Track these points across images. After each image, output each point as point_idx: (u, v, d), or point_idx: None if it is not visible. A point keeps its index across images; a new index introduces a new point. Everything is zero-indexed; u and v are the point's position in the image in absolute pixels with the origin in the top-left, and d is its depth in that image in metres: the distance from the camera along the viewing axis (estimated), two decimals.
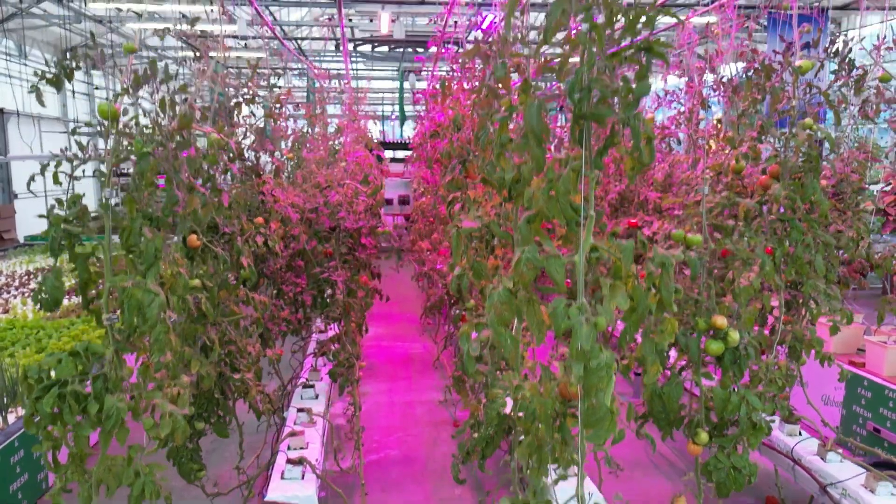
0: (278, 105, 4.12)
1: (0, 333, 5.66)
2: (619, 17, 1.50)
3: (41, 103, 2.14)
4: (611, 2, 1.48)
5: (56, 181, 2.16)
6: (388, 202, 13.96)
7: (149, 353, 2.11)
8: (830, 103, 3.08)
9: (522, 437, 1.88)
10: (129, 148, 2.08)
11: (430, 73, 11.31)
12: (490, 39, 2.04)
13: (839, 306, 3.22)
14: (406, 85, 13.56)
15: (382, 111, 25.17)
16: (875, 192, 4.92)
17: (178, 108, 2.33)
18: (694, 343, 2.36)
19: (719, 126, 3.67)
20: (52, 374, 2.04)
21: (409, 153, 13.91)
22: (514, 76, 2.01)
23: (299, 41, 14.52)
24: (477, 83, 3.60)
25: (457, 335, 2.90)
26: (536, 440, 1.73)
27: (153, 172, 2.11)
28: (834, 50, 3.10)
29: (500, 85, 2.03)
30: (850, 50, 3.10)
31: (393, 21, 11.22)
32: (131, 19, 12.29)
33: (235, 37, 11.63)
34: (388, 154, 14.50)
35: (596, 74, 1.46)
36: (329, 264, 3.68)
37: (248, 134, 3.81)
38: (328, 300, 3.82)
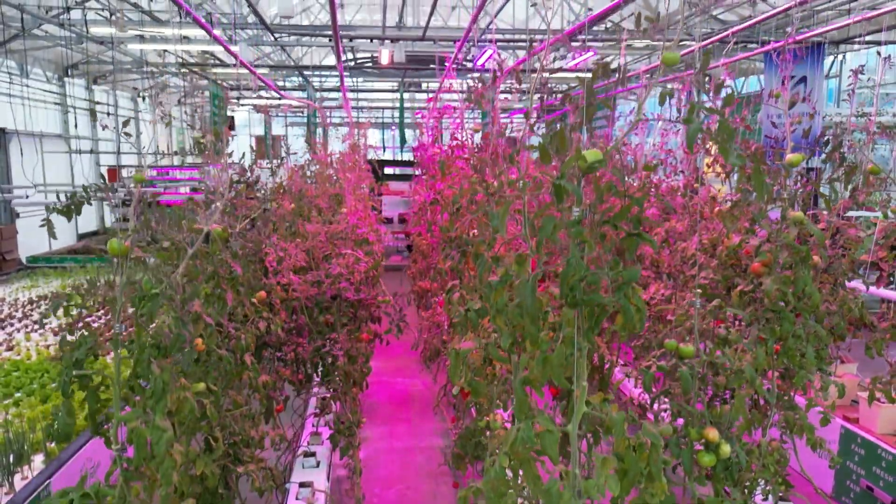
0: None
1: (4, 379, 5.72)
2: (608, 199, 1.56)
3: (52, 235, 2.20)
4: (602, 188, 1.54)
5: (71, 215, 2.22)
6: (388, 220, 14.02)
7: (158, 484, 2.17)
8: (822, 194, 3.14)
9: None
10: (138, 288, 2.13)
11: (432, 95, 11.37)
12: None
13: (831, 382, 3.29)
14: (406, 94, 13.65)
15: (382, 120, 25.20)
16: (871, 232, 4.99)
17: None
18: (686, 454, 2.42)
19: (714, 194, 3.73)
20: None
21: (409, 168, 14.02)
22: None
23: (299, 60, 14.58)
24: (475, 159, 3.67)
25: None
26: None
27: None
28: (825, 140, 3.16)
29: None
30: (841, 143, 3.17)
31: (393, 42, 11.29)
32: (132, 40, 12.35)
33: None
34: (388, 171, 14.56)
35: (587, 267, 1.52)
36: (330, 336, 3.75)
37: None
38: (329, 367, 3.89)
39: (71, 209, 2.19)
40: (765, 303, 2.99)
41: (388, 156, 26.64)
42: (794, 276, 2.98)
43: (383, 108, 22.91)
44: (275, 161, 4.21)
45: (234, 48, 12.65)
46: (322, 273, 3.73)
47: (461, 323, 2.67)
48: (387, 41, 9.02)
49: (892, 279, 4.22)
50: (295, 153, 6.29)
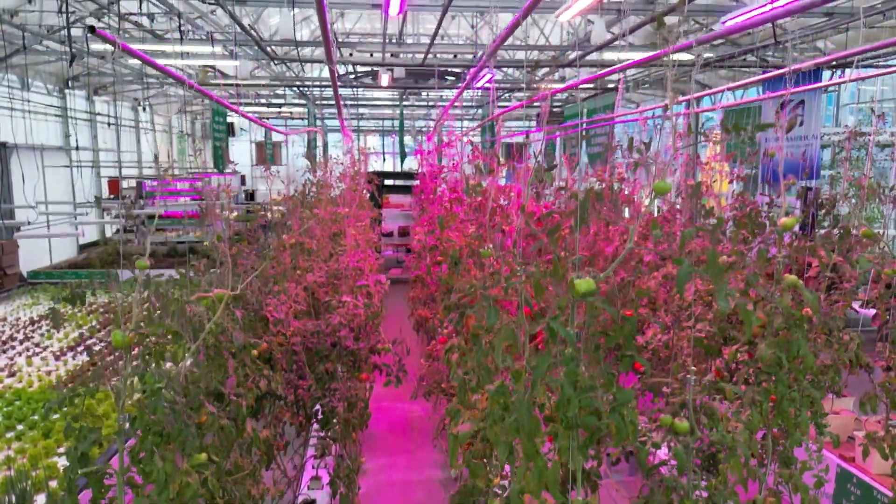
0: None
1: (6, 410, 5.76)
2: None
3: (57, 326, 2.23)
4: (595, 310, 1.58)
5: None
6: (389, 234, 14.06)
7: None
8: (818, 257, 3.17)
9: None
10: (142, 384, 2.17)
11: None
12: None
13: (827, 434, 3.32)
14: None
15: (382, 126, 25.21)
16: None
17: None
18: None
19: None
20: None
21: (410, 180, 14.06)
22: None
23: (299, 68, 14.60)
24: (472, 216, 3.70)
25: None
26: None
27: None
28: (819, 203, 3.19)
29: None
30: (836, 206, 3.20)
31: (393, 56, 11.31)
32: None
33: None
34: (388, 182, 14.58)
35: (583, 391, 1.55)
36: (330, 386, 3.78)
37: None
38: (328, 415, 3.92)
39: (76, 298, 2.23)
40: (759, 365, 3.03)
41: (388, 162, 26.71)
42: (789, 339, 3.01)
43: (383, 118, 22.93)
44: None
45: (233, 62, 12.67)
46: (322, 323, 3.77)
47: (460, 388, 2.71)
48: (389, 54, 9.05)
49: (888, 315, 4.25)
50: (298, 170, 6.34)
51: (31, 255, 12.76)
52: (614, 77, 13.80)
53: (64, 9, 7.78)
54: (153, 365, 2.28)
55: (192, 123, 23.17)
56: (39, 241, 13.28)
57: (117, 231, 16.17)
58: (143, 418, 2.30)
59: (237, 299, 3.22)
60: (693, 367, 2.84)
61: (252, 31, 12.25)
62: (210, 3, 7.78)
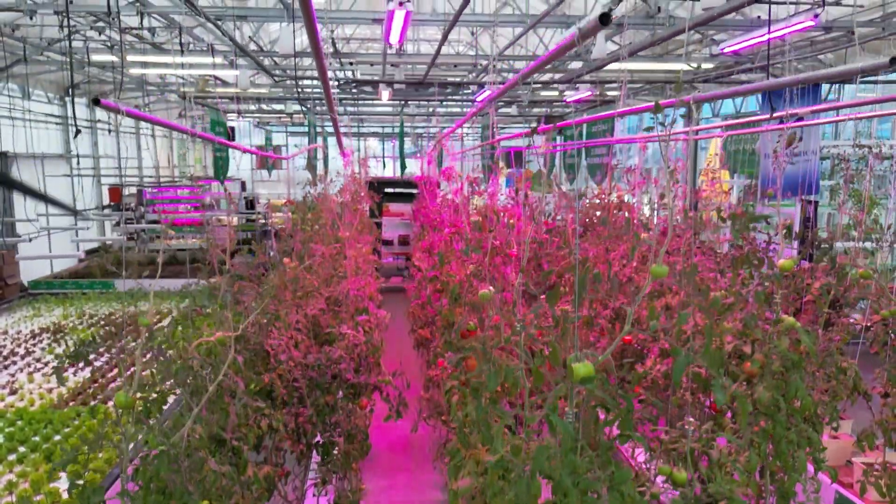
0: None
1: (8, 432, 5.77)
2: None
3: (62, 382, 2.25)
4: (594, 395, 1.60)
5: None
6: (388, 243, 14.09)
7: None
8: (817, 300, 3.19)
9: None
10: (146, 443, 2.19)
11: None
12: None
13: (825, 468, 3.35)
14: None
15: (383, 130, 25.20)
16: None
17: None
18: None
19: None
20: None
21: (410, 188, 14.10)
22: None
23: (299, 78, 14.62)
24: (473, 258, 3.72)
25: None
26: None
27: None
28: (817, 243, 3.21)
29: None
30: (832, 247, 3.22)
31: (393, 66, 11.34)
32: (133, 65, 12.38)
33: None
34: (389, 189, 14.61)
35: (581, 474, 1.57)
36: (331, 419, 3.81)
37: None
38: (328, 447, 3.95)
39: (80, 353, 2.25)
40: (757, 406, 3.05)
41: (388, 167, 26.72)
42: (787, 381, 3.03)
43: (383, 122, 22.93)
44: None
45: (233, 72, 12.69)
46: (322, 357, 3.79)
47: (459, 431, 2.74)
48: (389, 64, 9.06)
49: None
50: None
51: (32, 264, 12.77)
52: (614, 86, 13.83)
53: (65, 23, 7.78)
54: (153, 421, 2.30)
55: (193, 127, 23.17)
56: (40, 250, 13.31)
57: (119, 235, 16.16)
58: (145, 473, 2.32)
59: (238, 339, 3.24)
60: (692, 403, 2.87)
61: (252, 44, 12.27)
62: (211, 20, 7.79)
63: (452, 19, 6.04)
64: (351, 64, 12.84)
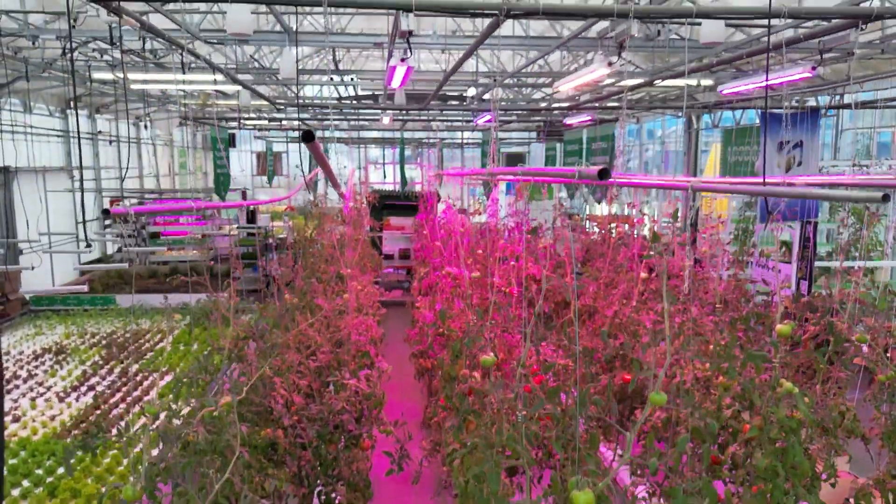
0: None
1: (12, 464, 5.80)
2: None
3: (69, 472, 2.28)
4: None
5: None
6: (389, 257, 14.11)
7: None
8: (815, 363, 3.22)
9: None
10: None
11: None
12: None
13: None
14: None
15: (383, 136, 25.22)
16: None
17: None
18: None
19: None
20: None
21: (411, 202, 14.13)
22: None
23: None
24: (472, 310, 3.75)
25: None
26: None
27: None
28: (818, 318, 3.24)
29: None
30: (831, 312, 3.25)
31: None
32: (134, 81, 12.40)
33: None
34: (390, 202, 14.63)
35: None
36: (333, 472, 3.84)
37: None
38: (330, 497, 3.99)
39: (87, 444, 2.28)
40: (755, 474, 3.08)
41: (389, 172, 26.75)
42: (785, 447, 3.07)
43: (383, 131, 22.96)
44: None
45: (235, 87, 12.71)
46: (325, 409, 3.83)
47: (461, 494, 2.77)
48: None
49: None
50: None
51: (33, 278, 12.79)
52: (614, 102, 13.85)
53: (68, 47, 7.83)
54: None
55: (194, 136, 23.21)
56: (42, 262, 13.34)
57: (119, 249, 16.20)
58: None
59: (242, 401, 3.28)
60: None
61: (251, 63, 12.30)
62: (213, 43, 7.82)
63: (471, 48, 5.95)
64: (352, 79, 12.88)
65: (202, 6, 9.56)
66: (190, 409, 3.11)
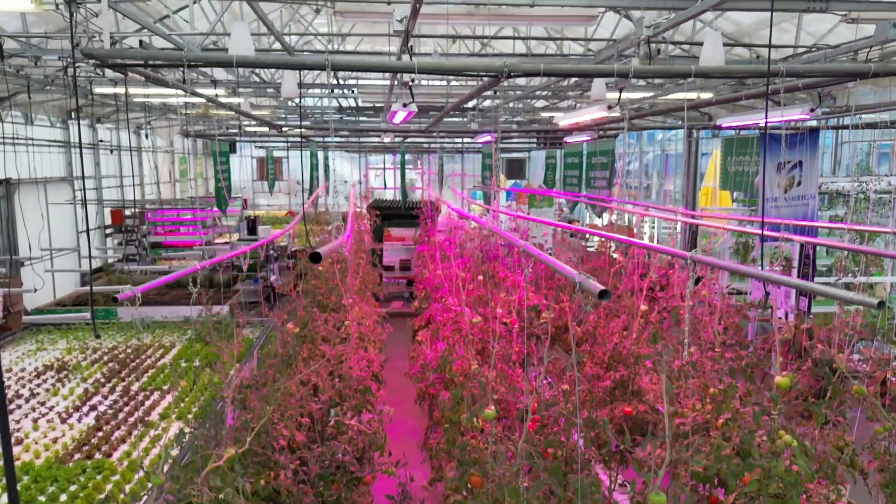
0: None
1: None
2: None
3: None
4: None
5: None
6: (390, 268, 14.15)
7: None
8: (814, 412, 3.24)
9: None
10: None
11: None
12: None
13: None
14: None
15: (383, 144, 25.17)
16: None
17: None
18: None
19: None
20: None
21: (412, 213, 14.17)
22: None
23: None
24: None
25: None
26: None
27: None
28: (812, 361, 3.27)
29: None
30: (831, 364, 3.27)
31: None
32: (136, 95, 12.43)
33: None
34: (390, 214, 14.66)
35: None
36: None
37: None
38: None
39: None
40: None
41: (389, 179, 26.77)
42: (785, 499, 3.10)
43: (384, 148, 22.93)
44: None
45: (237, 100, 12.75)
46: (327, 451, 3.86)
47: None
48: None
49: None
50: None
51: (34, 286, 12.81)
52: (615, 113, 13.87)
53: (70, 68, 7.86)
54: None
55: (194, 143, 23.24)
56: (42, 273, 13.38)
57: (119, 260, 16.22)
58: None
59: (246, 453, 3.31)
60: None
61: (251, 77, 12.30)
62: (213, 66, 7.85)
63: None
64: (352, 91, 12.90)
65: (203, 24, 9.59)
66: (192, 460, 3.14)
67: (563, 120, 7.10)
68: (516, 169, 22.77)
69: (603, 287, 1.83)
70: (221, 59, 4.31)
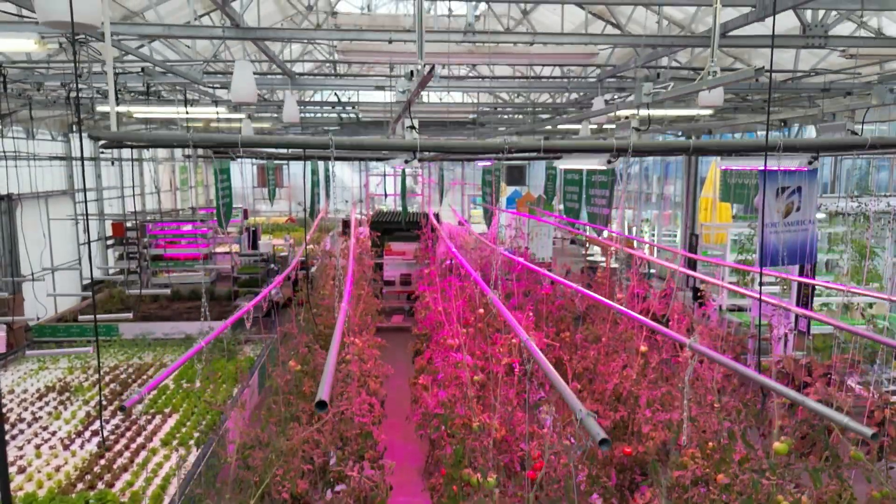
0: None
1: None
2: None
3: None
4: None
5: None
6: (390, 283, 14.18)
7: None
8: (813, 477, 3.28)
9: None
10: None
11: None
12: None
13: None
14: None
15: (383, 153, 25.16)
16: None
17: None
18: None
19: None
20: None
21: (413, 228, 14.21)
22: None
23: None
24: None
25: None
26: None
27: None
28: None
29: None
30: (829, 436, 3.30)
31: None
32: (136, 113, 12.46)
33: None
34: (391, 229, 14.68)
35: None
36: None
37: None
38: None
39: None
40: None
41: (390, 186, 26.77)
42: None
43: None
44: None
45: (238, 115, 12.79)
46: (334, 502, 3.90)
47: None
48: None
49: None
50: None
51: (35, 303, 12.84)
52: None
53: (72, 90, 7.90)
54: None
55: (195, 150, 23.27)
56: (43, 286, 13.41)
57: (120, 272, 16.25)
58: None
59: None
60: None
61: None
62: (216, 87, 7.91)
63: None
64: (353, 107, 12.94)
65: (206, 47, 9.62)
66: None
67: (561, 164, 7.13)
68: (516, 175, 22.76)
69: (605, 436, 1.85)
70: (226, 140, 4.38)
